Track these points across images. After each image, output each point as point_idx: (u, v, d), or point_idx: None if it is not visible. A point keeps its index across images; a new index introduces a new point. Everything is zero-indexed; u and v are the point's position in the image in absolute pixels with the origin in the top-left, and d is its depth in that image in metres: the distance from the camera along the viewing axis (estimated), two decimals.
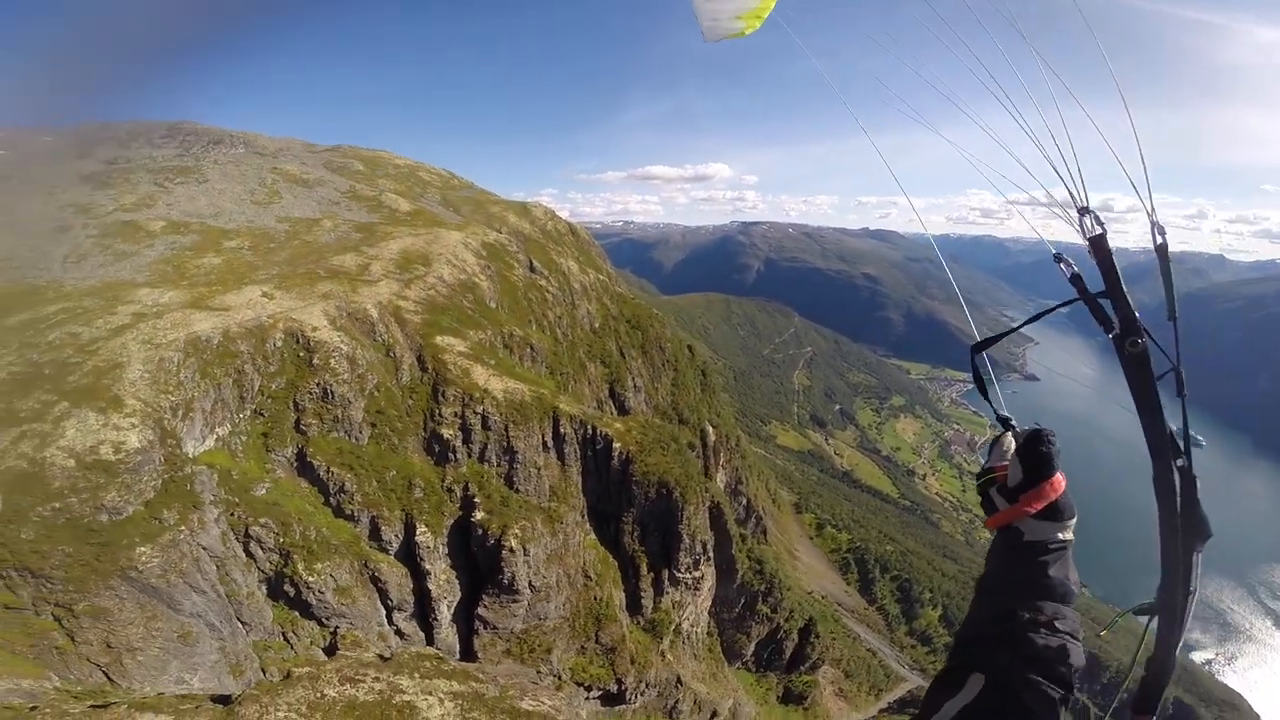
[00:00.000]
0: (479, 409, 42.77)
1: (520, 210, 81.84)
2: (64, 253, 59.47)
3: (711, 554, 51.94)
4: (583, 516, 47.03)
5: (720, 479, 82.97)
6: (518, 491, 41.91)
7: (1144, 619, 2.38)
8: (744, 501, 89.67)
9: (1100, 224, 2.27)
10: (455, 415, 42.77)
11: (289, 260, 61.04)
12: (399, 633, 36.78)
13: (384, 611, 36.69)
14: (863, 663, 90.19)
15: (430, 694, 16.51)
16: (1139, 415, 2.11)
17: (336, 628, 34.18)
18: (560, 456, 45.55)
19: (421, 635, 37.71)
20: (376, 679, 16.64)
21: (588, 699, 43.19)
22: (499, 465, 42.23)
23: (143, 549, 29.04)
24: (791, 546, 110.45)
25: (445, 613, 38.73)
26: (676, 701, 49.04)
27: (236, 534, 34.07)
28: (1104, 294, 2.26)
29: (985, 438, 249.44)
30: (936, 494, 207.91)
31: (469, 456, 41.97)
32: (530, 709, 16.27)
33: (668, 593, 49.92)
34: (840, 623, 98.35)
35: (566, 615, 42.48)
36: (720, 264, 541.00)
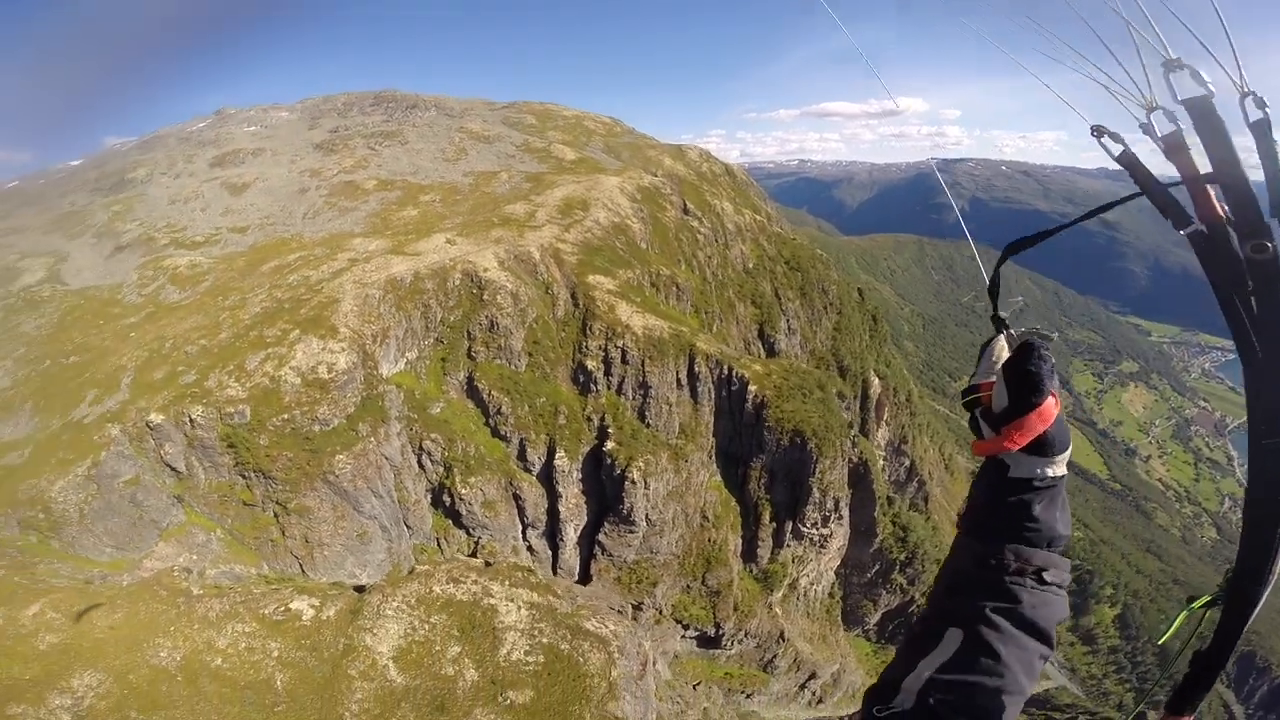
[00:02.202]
0: (620, 343, 44.83)
1: (676, 153, 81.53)
2: (303, 210, 72.56)
3: (845, 513, 48.74)
4: (710, 457, 47.16)
5: (880, 435, 76.99)
6: (648, 426, 43.55)
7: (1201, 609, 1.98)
8: (906, 463, 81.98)
9: (1203, 82, 1.60)
10: (599, 348, 45.35)
11: (470, 210, 67.95)
12: (530, 548, 40.95)
13: (520, 527, 41.08)
14: None
15: (512, 600, 18.83)
16: (1243, 354, 1.59)
17: (479, 538, 39.19)
18: (694, 395, 46.11)
19: (549, 553, 41.61)
20: (475, 582, 19.37)
21: (683, 637, 44.27)
22: (634, 399, 44.14)
23: (340, 456, 35.57)
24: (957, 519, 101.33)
25: (571, 534, 42.17)
26: (775, 656, 47.90)
27: (413, 446, 40.13)
28: (1206, 177, 1.64)
29: (1234, 421, 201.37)
30: (1159, 480, 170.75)
31: (608, 389, 44.44)
32: (591, 629, 17.77)
33: (789, 545, 48.33)
34: None
35: (677, 553, 43.48)
36: (914, 203, 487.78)
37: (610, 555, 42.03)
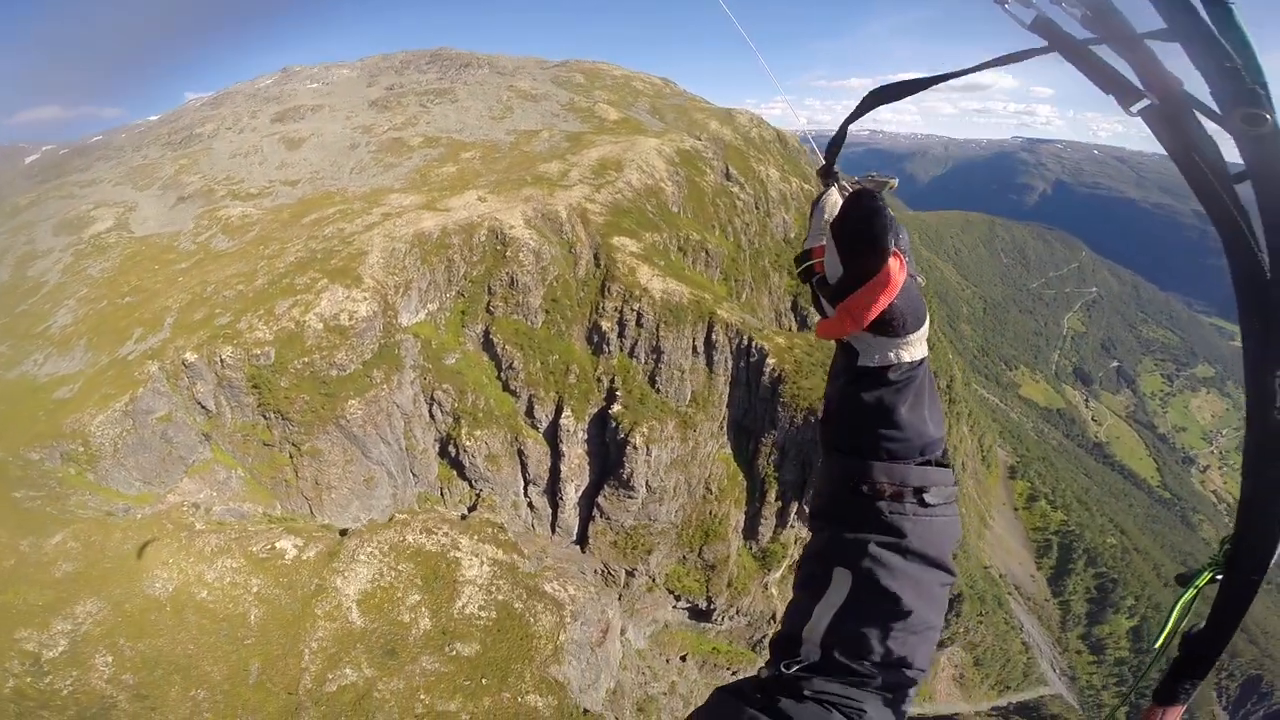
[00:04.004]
0: (636, 306, 44.24)
1: (724, 117, 78.99)
2: (351, 165, 74.43)
3: None
4: (721, 428, 46.11)
5: None
6: (658, 391, 42.96)
7: (1196, 583, 1.54)
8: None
9: None
10: (615, 310, 44.91)
11: (506, 168, 68.06)
12: (530, 505, 41.28)
13: (522, 483, 41.48)
14: (1003, 655, 79.61)
15: (477, 555, 19.13)
16: (1240, 277, 1.17)
17: (481, 490, 39.78)
18: (709, 363, 45.10)
19: (549, 511, 41.82)
20: (446, 534, 19.76)
21: (674, 608, 43.97)
22: (646, 363, 43.59)
23: (353, 401, 36.55)
24: (987, 513, 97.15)
25: (572, 494, 42.33)
26: (765, 636, 47.23)
27: (425, 396, 40.94)
28: (1158, 34, 1.13)
29: None
30: (1213, 492, 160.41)
31: (621, 351, 44.03)
32: (549, 591, 17.83)
33: (793, 526, 46.78)
34: (1005, 607, 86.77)
35: (676, 522, 42.97)
36: (991, 183, 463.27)
37: (608, 518, 42.14)
